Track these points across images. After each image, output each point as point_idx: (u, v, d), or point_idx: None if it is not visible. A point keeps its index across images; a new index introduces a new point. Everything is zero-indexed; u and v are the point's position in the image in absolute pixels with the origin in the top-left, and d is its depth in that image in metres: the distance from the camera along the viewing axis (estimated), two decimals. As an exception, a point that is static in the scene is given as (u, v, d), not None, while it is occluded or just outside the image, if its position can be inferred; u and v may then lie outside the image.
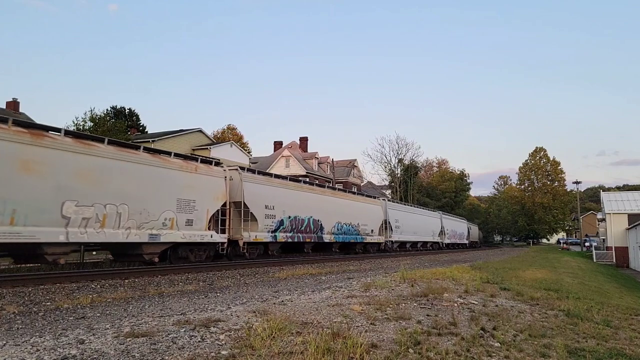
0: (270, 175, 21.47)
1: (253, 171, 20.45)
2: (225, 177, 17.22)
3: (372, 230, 28.77)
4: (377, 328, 5.61)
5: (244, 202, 17.96)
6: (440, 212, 47.09)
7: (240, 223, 17.84)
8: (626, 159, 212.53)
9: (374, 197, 32.98)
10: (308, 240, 22.31)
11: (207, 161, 17.19)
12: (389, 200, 34.41)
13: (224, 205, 16.87)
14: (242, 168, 19.45)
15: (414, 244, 37.84)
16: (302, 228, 21.80)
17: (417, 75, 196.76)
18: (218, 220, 16.65)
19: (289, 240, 20.77)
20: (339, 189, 28.87)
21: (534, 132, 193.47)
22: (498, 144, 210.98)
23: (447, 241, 45.31)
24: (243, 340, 4.57)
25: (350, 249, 27.31)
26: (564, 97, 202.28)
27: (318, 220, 22.98)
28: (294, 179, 24.29)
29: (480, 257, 28.76)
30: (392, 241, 31.96)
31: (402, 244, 34.86)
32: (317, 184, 27.81)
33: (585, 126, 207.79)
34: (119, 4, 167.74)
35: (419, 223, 38.14)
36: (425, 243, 40.17)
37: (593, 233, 75.31)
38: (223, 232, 16.91)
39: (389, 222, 31.69)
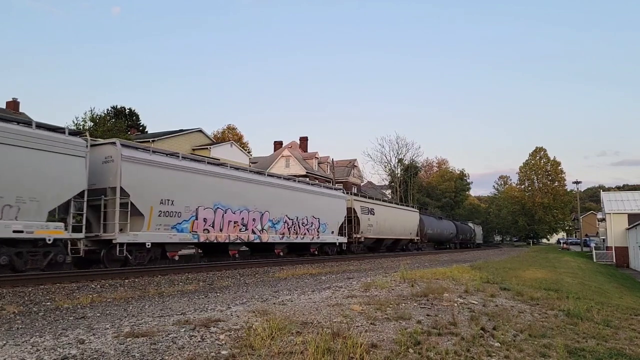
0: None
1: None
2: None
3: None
4: (377, 328, 5.61)
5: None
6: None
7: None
8: (626, 159, 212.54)
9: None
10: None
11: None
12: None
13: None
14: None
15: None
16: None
17: (417, 75, 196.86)
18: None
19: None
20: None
21: (535, 132, 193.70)
22: (498, 144, 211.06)
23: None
24: (243, 340, 4.57)
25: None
26: (565, 97, 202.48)
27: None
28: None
29: (480, 257, 28.77)
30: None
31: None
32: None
33: (587, 126, 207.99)
34: (122, 7, 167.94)
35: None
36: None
37: (593, 233, 75.33)
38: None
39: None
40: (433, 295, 8.26)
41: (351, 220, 27.20)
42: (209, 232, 16.66)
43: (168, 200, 14.99)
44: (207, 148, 38.11)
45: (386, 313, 6.46)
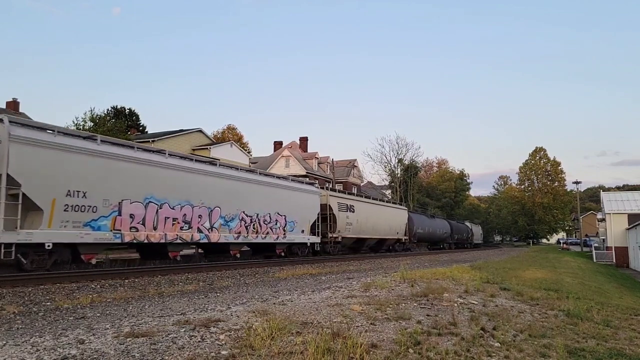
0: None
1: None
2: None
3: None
4: (377, 328, 5.61)
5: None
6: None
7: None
8: (626, 159, 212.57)
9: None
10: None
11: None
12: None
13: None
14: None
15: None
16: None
17: (417, 75, 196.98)
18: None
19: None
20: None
21: (535, 132, 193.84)
22: (498, 144, 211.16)
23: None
24: (243, 340, 4.57)
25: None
26: (565, 97, 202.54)
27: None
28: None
29: (480, 257, 28.76)
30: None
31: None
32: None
33: (587, 126, 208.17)
34: (122, 7, 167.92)
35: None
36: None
37: (593, 233, 75.31)
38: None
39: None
40: (433, 295, 8.26)
41: (326, 218, 24.30)
42: (137, 230, 13.89)
43: (78, 191, 12.31)
44: (207, 148, 38.11)
45: (386, 313, 6.46)
